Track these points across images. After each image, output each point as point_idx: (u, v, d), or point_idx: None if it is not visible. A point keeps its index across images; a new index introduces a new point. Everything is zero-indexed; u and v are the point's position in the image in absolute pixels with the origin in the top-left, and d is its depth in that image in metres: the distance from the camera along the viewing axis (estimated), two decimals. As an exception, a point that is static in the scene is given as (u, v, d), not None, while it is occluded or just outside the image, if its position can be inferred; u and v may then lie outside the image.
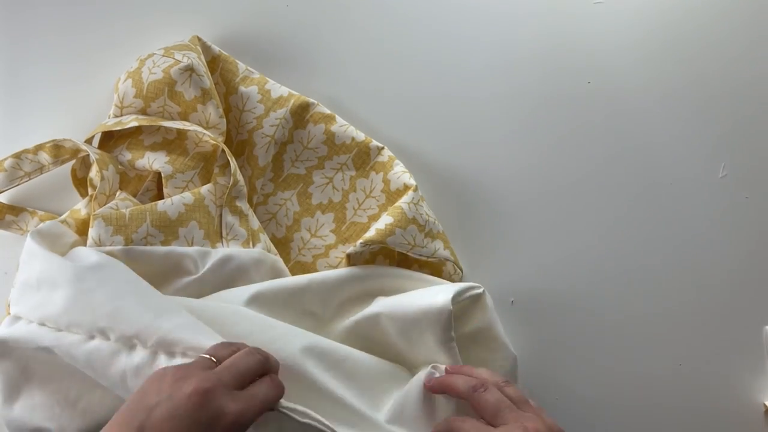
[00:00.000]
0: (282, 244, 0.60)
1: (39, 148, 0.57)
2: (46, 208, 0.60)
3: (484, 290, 0.55)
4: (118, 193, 0.56)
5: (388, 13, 0.66)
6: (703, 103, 0.65)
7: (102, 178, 0.54)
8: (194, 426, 0.38)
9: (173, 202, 0.54)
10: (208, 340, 0.45)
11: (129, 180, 0.59)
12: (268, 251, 0.57)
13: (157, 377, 0.40)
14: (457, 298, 0.52)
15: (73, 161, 0.58)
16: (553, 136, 0.65)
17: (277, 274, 0.56)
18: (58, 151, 0.57)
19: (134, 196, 0.58)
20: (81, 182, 0.59)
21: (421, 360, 0.54)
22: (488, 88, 0.65)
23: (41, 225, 0.53)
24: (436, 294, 0.52)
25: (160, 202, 0.54)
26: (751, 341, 0.63)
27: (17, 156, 0.57)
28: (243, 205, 0.57)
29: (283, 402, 0.44)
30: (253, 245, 0.56)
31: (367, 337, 0.55)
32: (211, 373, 0.41)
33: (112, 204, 0.54)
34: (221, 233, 0.55)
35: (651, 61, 0.66)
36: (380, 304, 0.54)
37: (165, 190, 0.56)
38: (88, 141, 0.58)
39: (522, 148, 0.64)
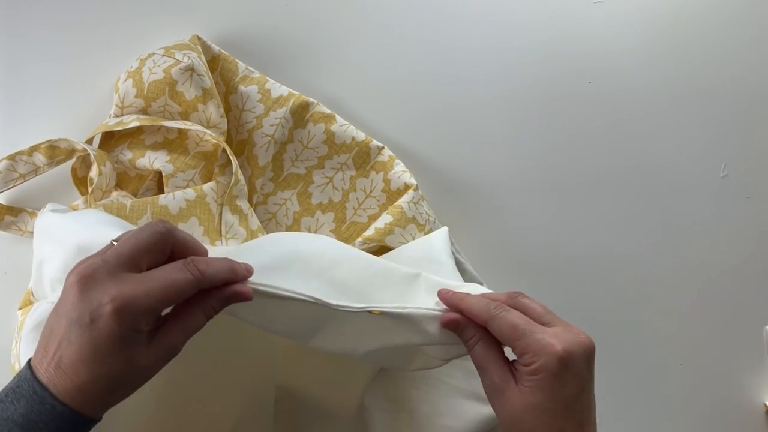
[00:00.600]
0: (282, 244, 0.61)
1: (34, 149, 0.57)
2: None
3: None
4: (116, 192, 0.56)
5: (388, 13, 0.66)
6: (703, 103, 0.65)
7: (99, 173, 0.54)
8: (75, 324, 0.34)
9: (175, 196, 0.54)
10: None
11: (129, 179, 0.59)
12: None
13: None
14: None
15: (72, 161, 0.58)
16: (554, 136, 0.65)
17: None
18: (54, 151, 0.57)
19: (135, 195, 0.58)
20: (81, 181, 0.59)
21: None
22: (489, 88, 0.65)
23: (50, 206, 0.52)
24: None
25: (162, 195, 0.54)
26: (751, 341, 0.63)
27: (11, 158, 0.56)
28: (243, 204, 0.57)
29: (253, 281, 0.40)
30: None
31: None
32: (95, 257, 0.36)
33: (112, 198, 0.54)
34: (221, 231, 0.55)
35: (651, 60, 0.66)
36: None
37: (166, 189, 0.56)
38: (89, 141, 0.58)
39: (522, 147, 0.64)
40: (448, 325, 0.43)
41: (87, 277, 0.34)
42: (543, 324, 0.41)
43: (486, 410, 0.56)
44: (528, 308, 0.42)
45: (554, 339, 0.38)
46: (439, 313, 0.43)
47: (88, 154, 0.56)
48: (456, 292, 0.44)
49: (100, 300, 0.34)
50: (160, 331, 0.37)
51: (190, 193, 0.55)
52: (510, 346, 0.40)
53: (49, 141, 0.57)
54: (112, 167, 0.56)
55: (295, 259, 0.44)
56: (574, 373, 0.38)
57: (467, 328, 0.42)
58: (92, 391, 0.34)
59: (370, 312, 0.43)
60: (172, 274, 0.36)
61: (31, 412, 0.34)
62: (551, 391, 0.38)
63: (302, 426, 0.56)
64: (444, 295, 0.44)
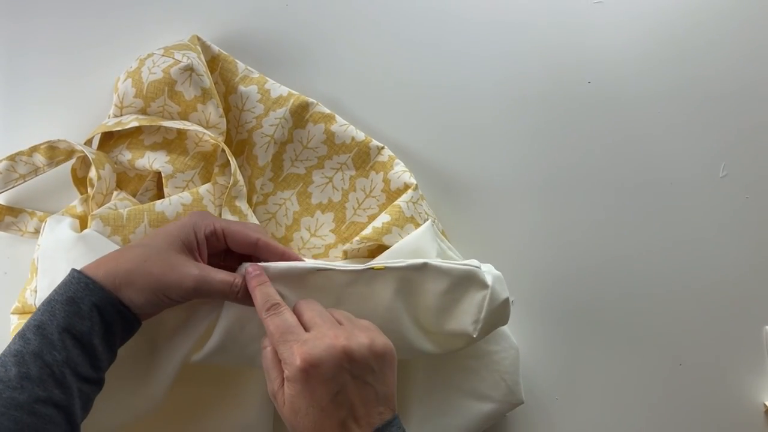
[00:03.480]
0: (282, 244, 0.60)
1: (34, 149, 0.57)
2: (45, 208, 0.60)
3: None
4: (116, 192, 0.56)
5: (388, 13, 0.66)
6: (703, 103, 0.65)
7: (99, 177, 0.54)
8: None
9: (171, 202, 0.54)
10: None
11: (129, 180, 0.59)
12: None
13: None
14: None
15: (71, 161, 0.58)
16: (554, 136, 0.65)
17: None
18: (53, 152, 0.57)
19: (134, 195, 0.58)
20: (81, 182, 0.59)
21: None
22: (488, 88, 0.65)
23: (53, 221, 0.53)
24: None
25: (158, 202, 0.54)
26: (751, 341, 0.63)
27: (11, 158, 0.57)
28: (242, 205, 0.57)
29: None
30: None
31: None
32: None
33: (110, 204, 0.54)
34: None
35: (651, 60, 0.66)
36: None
37: (165, 190, 0.56)
38: (88, 141, 0.58)
39: (522, 147, 0.64)
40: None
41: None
42: (306, 328, 0.44)
43: (486, 407, 0.56)
44: (298, 310, 0.46)
45: (299, 349, 0.41)
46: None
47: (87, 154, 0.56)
48: (259, 275, 0.48)
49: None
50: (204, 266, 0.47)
51: (186, 197, 0.55)
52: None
53: (48, 142, 0.57)
54: (111, 169, 0.56)
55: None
56: (322, 378, 0.41)
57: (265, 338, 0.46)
58: (121, 276, 0.44)
59: (373, 268, 0.49)
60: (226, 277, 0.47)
61: (68, 290, 0.43)
62: (303, 397, 0.41)
63: None
64: (248, 274, 0.48)
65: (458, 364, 0.57)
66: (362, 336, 0.43)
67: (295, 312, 0.46)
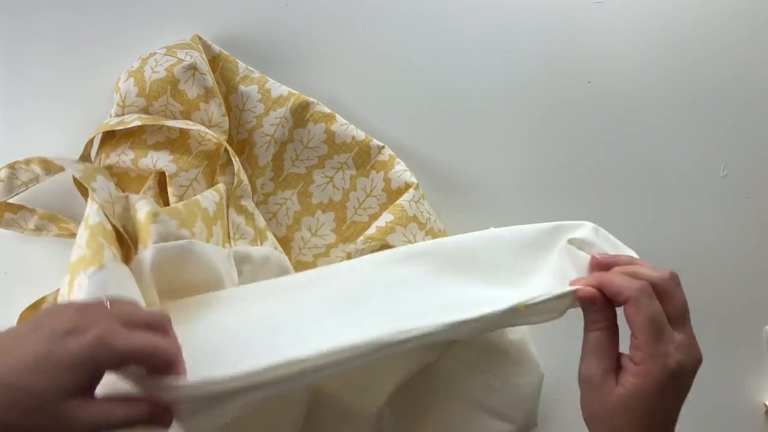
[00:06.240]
0: (283, 244, 0.60)
1: (29, 161, 0.57)
2: (45, 206, 0.60)
3: None
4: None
5: (388, 13, 0.66)
6: (703, 103, 0.65)
7: (93, 190, 0.49)
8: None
9: (208, 199, 0.52)
10: None
11: (130, 179, 0.59)
12: (275, 249, 0.57)
13: None
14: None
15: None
16: (553, 136, 0.65)
17: (283, 272, 0.56)
18: (47, 165, 0.57)
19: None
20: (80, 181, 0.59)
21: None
22: (488, 87, 0.65)
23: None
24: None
25: (200, 197, 0.52)
26: (751, 341, 0.63)
27: (11, 166, 0.57)
28: (248, 204, 0.57)
29: None
30: (261, 243, 0.56)
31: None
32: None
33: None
34: (228, 233, 0.55)
35: (651, 60, 0.66)
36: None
37: (169, 189, 0.55)
38: (90, 141, 0.58)
39: (522, 147, 0.64)
40: (583, 301, 0.41)
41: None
42: (674, 326, 0.40)
43: (503, 427, 0.56)
44: (670, 301, 0.40)
45: (675, 350, 0.38)
46: (571, 288, 0.42)
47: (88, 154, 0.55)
48: (606, 260, 0.42)
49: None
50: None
51: (216, 195, 0.53)
52: (633, 335, 0.40)
53: (41, 157, 0.57)
54: (106, 178, 0.53)
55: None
56: (677, 387, 0.39)
57: (598, 312, 0.41)
58: None
59: (516, 309, 0.42)
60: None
61: None
62: (649, 400, 0.38)
63: (323, 424, 0.55)
64: (596, 262, 0.42)
65: (481, 380, 0.56)
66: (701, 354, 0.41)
67: None
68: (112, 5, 0.64)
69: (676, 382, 0.38)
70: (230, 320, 0.44)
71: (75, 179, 0.58)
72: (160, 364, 0.34)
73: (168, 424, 0.35)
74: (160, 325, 0.36)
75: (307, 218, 0.61)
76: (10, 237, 0.59)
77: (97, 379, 0.33)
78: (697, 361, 0.40)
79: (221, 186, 0.55)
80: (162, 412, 0.34)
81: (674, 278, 0.41)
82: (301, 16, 0.65)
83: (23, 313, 0.55)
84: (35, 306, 0.55)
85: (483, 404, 0.56)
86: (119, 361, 0.33)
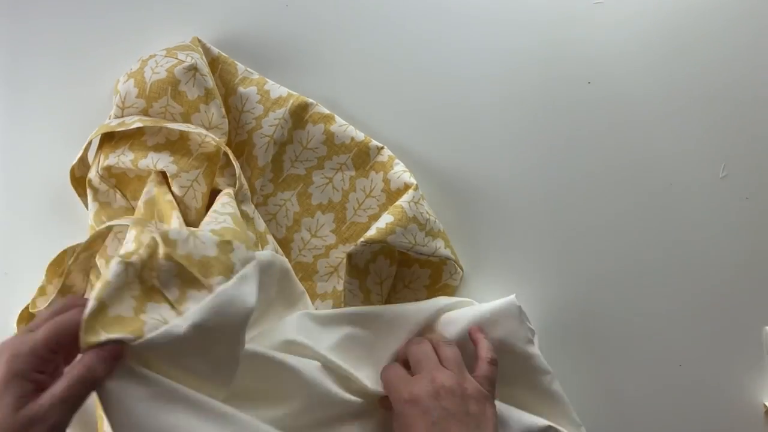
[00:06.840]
0: (282, 245, 0.60)
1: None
2: (44, 206, 0.60)
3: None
4: (118, 194, 0.56)
5: (388, 14, 0.66)
6: (703, 103, 0.65)
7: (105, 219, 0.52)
8: None
9: (234, 207, 0.53)
10: None
11: (129, 180, 0.59)
12: (276, 252, 0.56)
13: None
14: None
15: (72, 162, 0.58)
16: (553, 136, 0.65)
17: (284, 275, 0.55)
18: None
19: (135, 198, 0.57)
20: (79, 182, 0.59)
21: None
22: (488, 88, 0.65)
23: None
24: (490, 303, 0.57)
25: (233, 210, 0.52)
26: (751, 341, 0.63)
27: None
28: (248, 208, 0.57)
29: None
30: (262, 248, 0.56)
31: None
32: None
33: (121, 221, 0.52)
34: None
35: (651, 61, 0.66)
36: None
37: (171, 189, 0.56)
38: (89, 142, 0.58)
39: (522, 147, 0.64)
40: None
41: None
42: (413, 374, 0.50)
43: (532, 420, 0.56)
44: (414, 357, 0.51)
45: (407, 387, 0.48)
46: None
47: (86, 156, 0.55)
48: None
49: None
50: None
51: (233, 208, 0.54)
52: None
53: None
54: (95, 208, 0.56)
55: None
56: (420, 410, 0.46)
57: None
58: None
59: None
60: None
61: None
62: (406, 427, 0.47)
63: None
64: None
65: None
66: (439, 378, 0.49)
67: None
68: (111, 8, 0.64)
69: (414, 408, 0.47)
70: None
71: (72, 176, 0.58)
72: (71, 333, 0.38)
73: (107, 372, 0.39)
74: (63, 307, 0.40)
75: (306, 219, 0.61)
76: (10, 237, 0.60)
77: (39, 382, 0.37)
78: (433, 387, 0.48)
79: (230, 190, 0.55)
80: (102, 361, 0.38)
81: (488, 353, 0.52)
82: (301, 17, 0.65)
83: (23, 313, 0.55)
84: (40, 292, 0.55)
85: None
86: (40, 357, 0.37)
